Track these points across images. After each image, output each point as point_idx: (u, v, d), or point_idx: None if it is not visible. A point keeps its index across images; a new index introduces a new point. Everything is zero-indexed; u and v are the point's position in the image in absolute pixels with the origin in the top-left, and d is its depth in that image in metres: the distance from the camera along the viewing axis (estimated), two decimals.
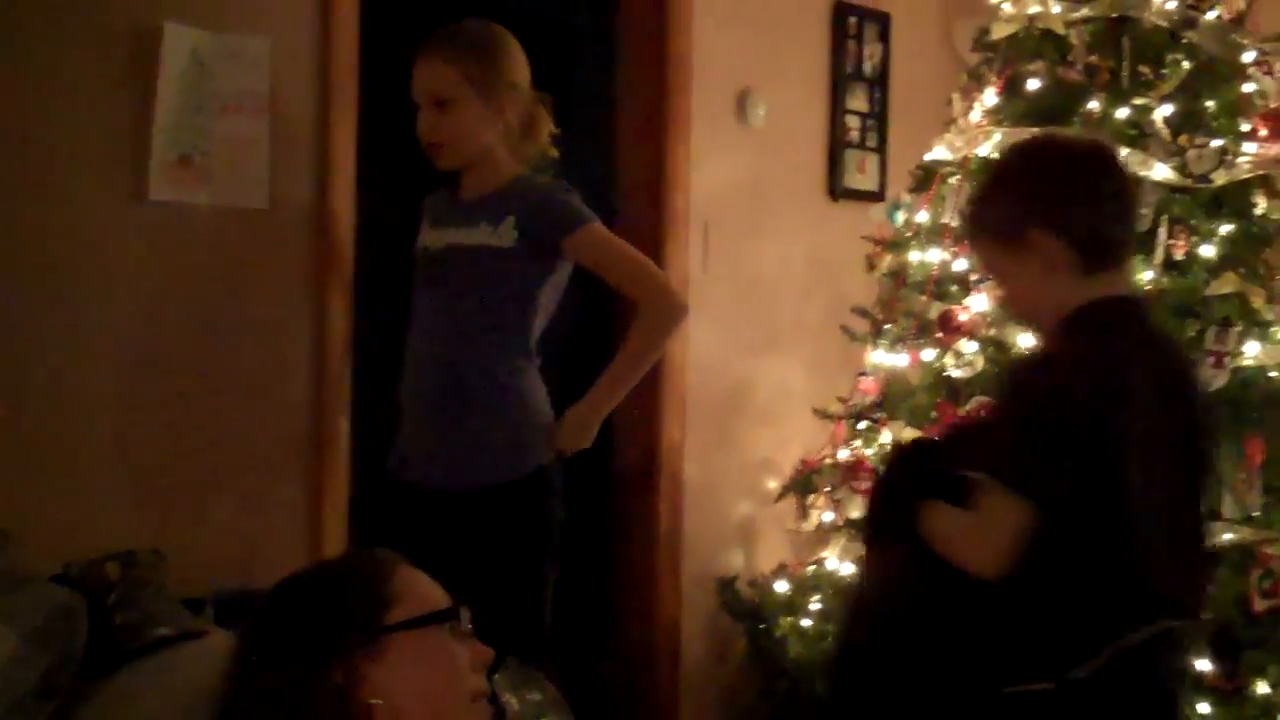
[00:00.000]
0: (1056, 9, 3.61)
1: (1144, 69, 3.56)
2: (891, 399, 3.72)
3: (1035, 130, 3.52)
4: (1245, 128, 3.49)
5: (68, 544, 2.60)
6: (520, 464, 2.89)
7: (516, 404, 2.92)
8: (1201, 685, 3.03)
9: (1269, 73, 3.56)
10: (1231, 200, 3.43)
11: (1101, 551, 2.00)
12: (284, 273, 3.26)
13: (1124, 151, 3.39)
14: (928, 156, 3.91)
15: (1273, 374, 3.25)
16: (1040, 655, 2.02)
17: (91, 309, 2.96)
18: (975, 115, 3.75)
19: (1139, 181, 3.35)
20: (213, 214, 3.13)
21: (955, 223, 3.67)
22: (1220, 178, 3.42)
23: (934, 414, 3.52)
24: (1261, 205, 3.43)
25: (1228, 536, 3.10)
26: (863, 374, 3.88)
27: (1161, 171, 3.38)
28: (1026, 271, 2.14)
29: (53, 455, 2.90)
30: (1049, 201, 2.10)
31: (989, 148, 3.64)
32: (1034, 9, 3.65)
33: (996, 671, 2.03)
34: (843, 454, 3.77)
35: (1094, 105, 3.48)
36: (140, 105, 3.02)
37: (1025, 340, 3.35)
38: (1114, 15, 3.55)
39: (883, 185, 4.66)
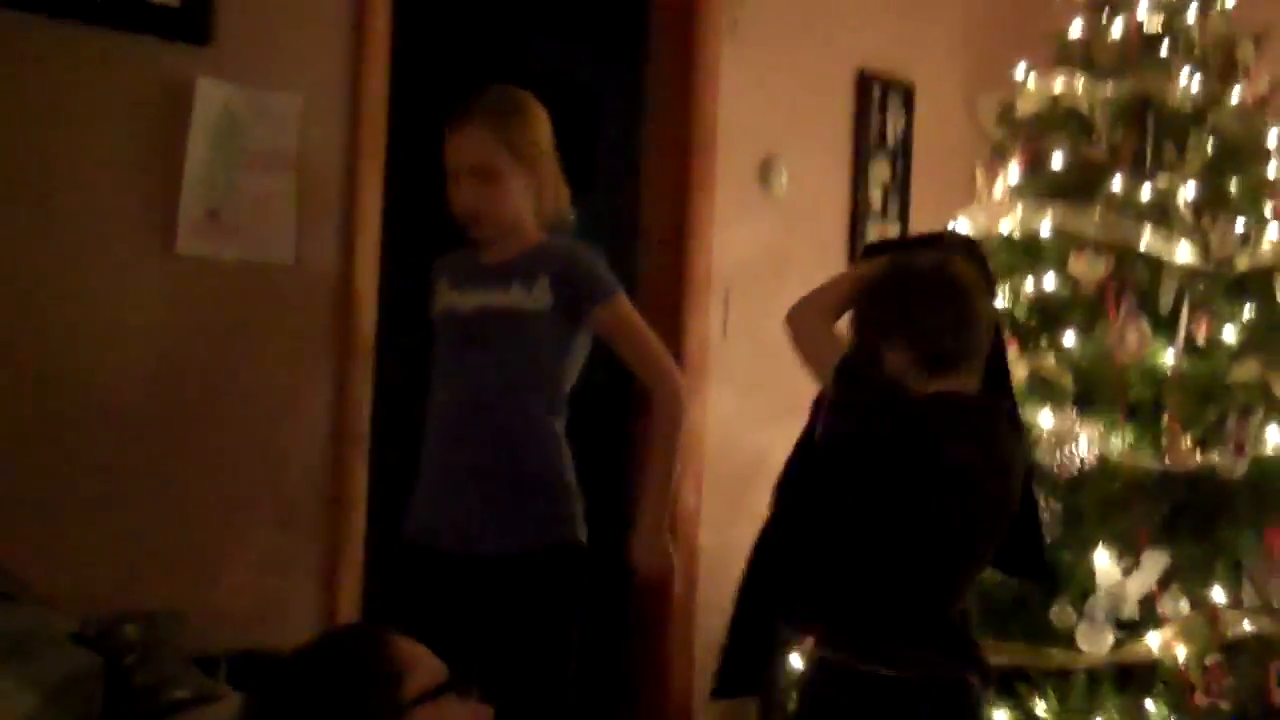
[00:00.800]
0: (1081, 87, 3.63)
1: (1168, 149, 3.57)
2: None
3: (1058, 207, 3.54)
4: (1269, 210, 3.50)
5: (85, 601, 2.61)
6: (560, 530, 2.87)
7: (556, 469, 2.90)
8: None
9: None
10: (1255, 284, 3.44)
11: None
12: (307, 329, 3.26)
13: (1147, 233, 3.40)
14: (951, 227, 3.91)
15: None
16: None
17: (116, 362, 2.97)
18: (999, 191, 3.76)
19: (1162, 266, 3.37)
20: (238, 268, 3.14)
21: None
22: (1244, 261, 3.43)
23: None
24: None
25: (1246, 626, 3.08)
26: None
27: (1185, 253, 3.39)
28: None
29: (70, 510, 2.90)
30: (895, 325, 2.57)
31: (1011, 224, 3.65)
32: (1058, 88, 3.67)
33: None
34: None
35: (1117, 184, 3.49)
36: (170, 159, 3.04)
37: (1046, 419, 3.34)
38: (1138, 95, 3.56)
39: None
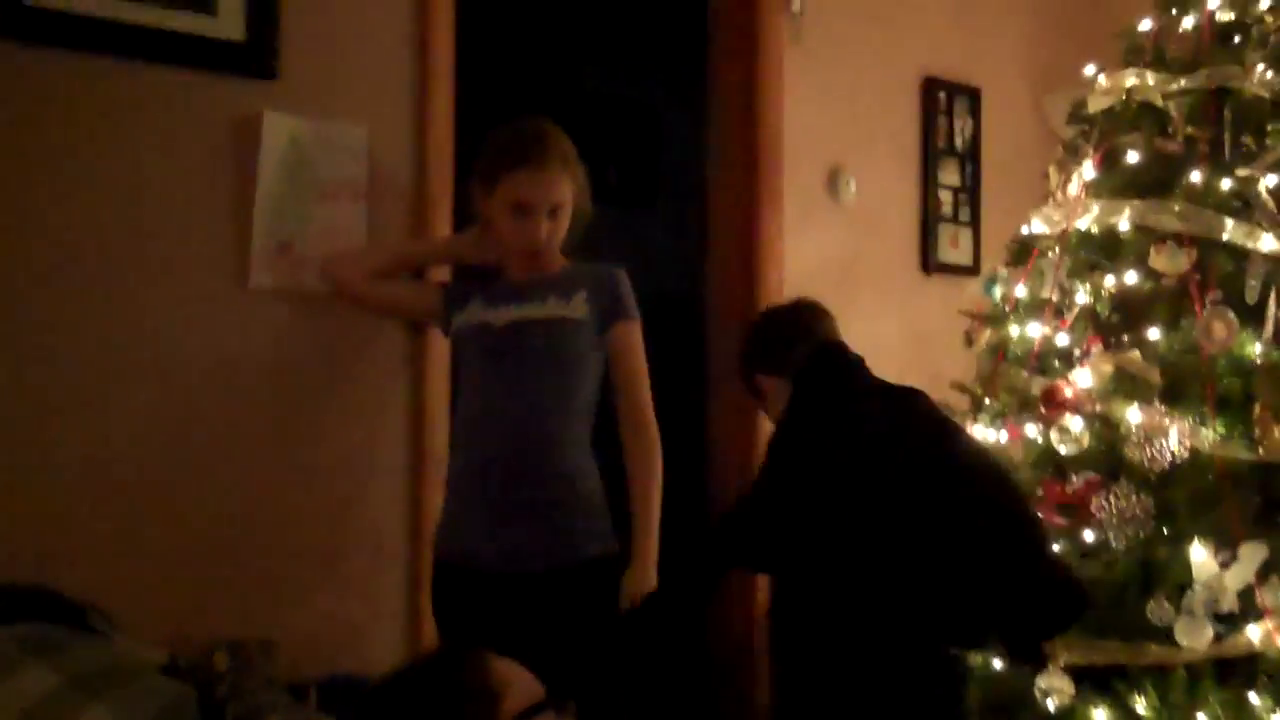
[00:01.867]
0: (1153, 81, 3.57)
1: (1246, 139, 3.50)
2: None
3: (1136, 202, 3.49)
4: None
5: (173, 634, 2.61)
6: (602, 543, 2.94)
7: (592, 480, 2.98)
8: None
9: None
10: None
11: None
12: (383, 358, 3.26)
13: (1229, 223, 3.34)
14: (1025, 230, 3.87)
15: None
16: None
17: (194, 399, 2.98)
18: (1074, 189, 3.71)
19: (1245, 254, 3.30)
20: (312, 300, 3.15)
21: (1055, 297, 3.62)
22: None
23: (1039, 491, 3.44)
24: None
25: None
26: None
27: (1269, 243, 3.32)
28: (766, 399, 3.13)
29: (154, 544, 2.91)
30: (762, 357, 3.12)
31: (1088, 221, 3.59)
32: (1131, 82, 3.61)
33: None
34: None
35: (1196, 177, 3.43)
36: (241, 194, 3.06)
37: (1134, 415, 3.28)
38: (1213, 87, 3.50)
39: (976, 259, 4.64)
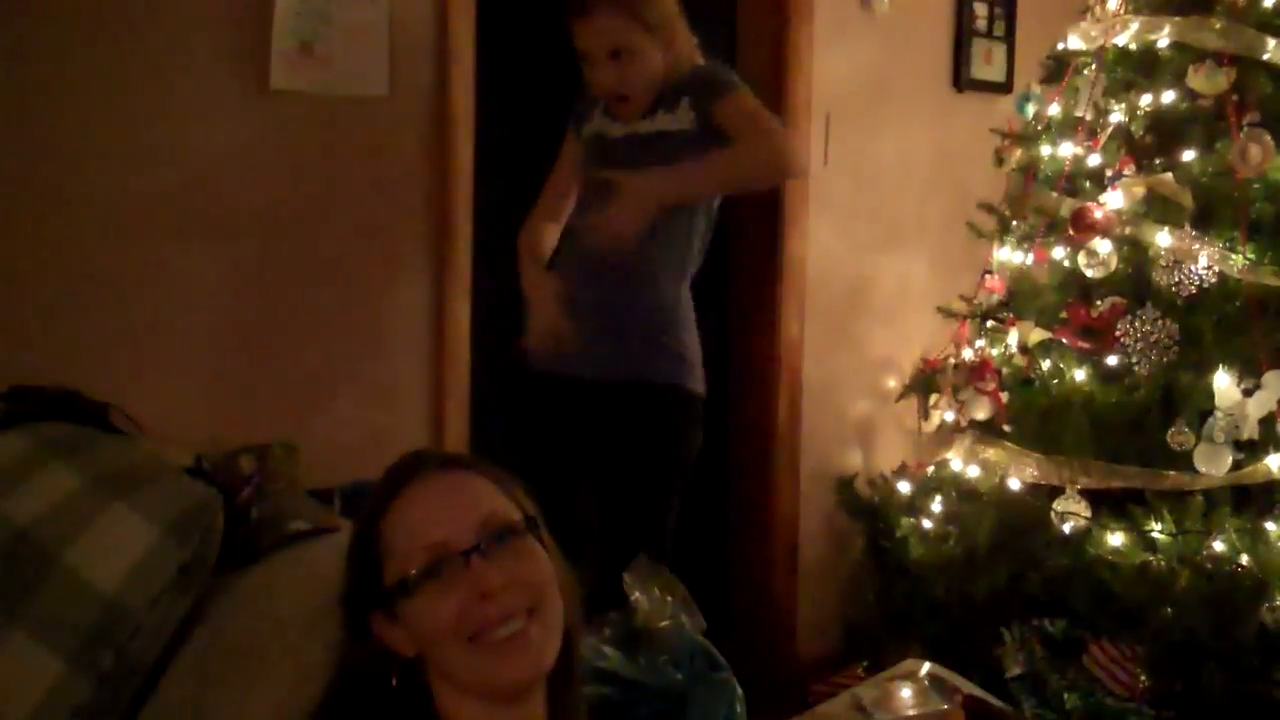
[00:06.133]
0: None
1: None
2: (1020, 298, 3.63)
3: (1176, 19, 3.40)
4: None
5: (196, 437, 2.62)
6: (686, 376, 2.91)
7: (686, 318, 2.94)
8: None
9: None
10: None
11: None
12: (405, 160, 3.22)
13: (1271, 42, 3.26)
14: (1061, 46, 3.79)
15: None
16: None
17: (215, 196, 2.95)
18: (1112, 4, 3.62)
19: None
20: (333, 101, 3.10)
21: (1089, 116, 3.56)
22: None
23: (1064, 314, 3.43)
24: None
25: None
26: (988, 272, 3.80)
27: None
28: None
29: (174, 344, 2.91)
30: None
31: (1126, 38, 3.51)
32: None
33: None
34: (967, 354, 3.69)
35: None
36: None
37: (1163, 239, 3.25)
38: None
39: (1010, 76, 4.54)
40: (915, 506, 3.74)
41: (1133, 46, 3.51)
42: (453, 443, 3.24)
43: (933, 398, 3.77)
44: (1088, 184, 3.54)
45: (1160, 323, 3.23)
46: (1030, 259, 3.62)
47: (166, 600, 2.03)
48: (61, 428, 2.26)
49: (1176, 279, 3.23)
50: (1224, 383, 3.08)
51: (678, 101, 2.88)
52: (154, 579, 2.02)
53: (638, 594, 2.34)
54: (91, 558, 2.00)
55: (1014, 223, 3.76)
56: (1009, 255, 3.72)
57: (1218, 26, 3.31)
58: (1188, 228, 3.26)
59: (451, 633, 1.47)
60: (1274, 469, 3.08)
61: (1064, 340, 3.41)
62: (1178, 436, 3.11)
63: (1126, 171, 3.40)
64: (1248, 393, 3.07)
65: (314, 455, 2.75)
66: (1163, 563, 3.06)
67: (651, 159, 2.85)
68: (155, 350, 2.87)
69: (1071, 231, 3.39)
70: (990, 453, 3.50)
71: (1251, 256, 3.17)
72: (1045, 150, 3.68)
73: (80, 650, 1.94)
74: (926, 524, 3.66)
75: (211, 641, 2.05)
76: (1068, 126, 3.65)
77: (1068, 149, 3.59)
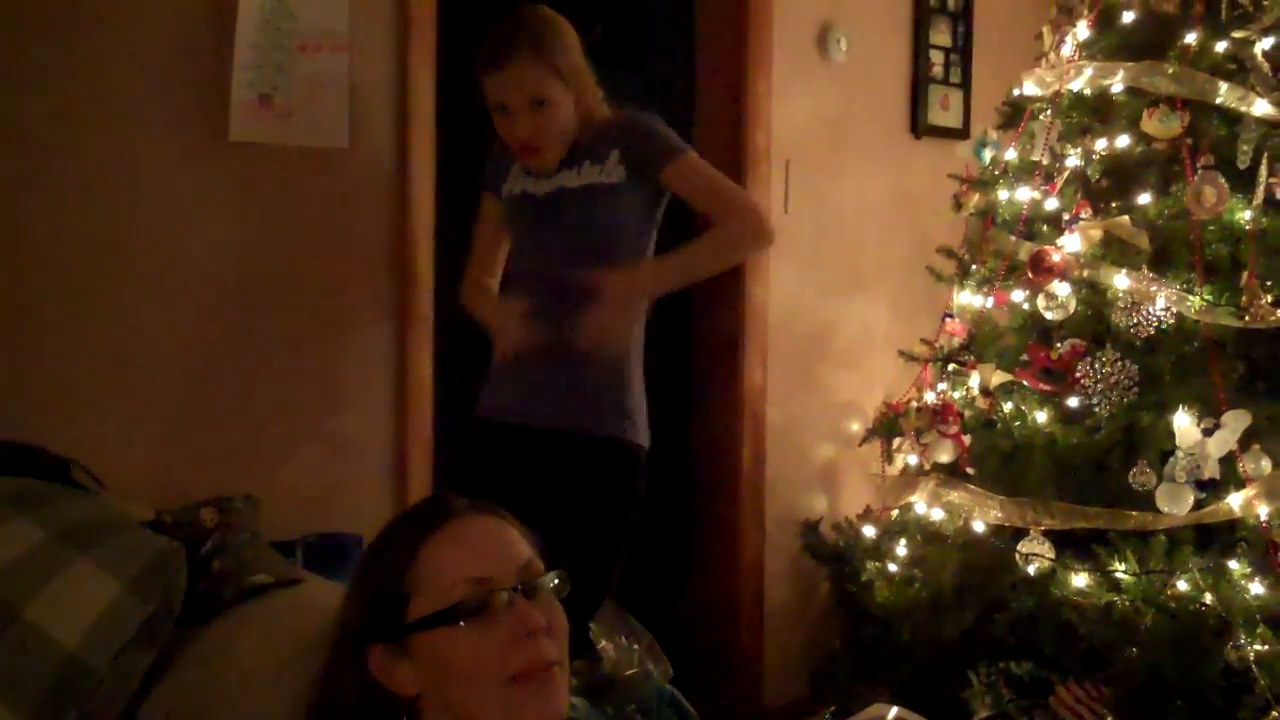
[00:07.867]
0: None
1: (1242, 1, 3.45)
2: (980, 341, 3.65)
3: (1129, 64, 3.44)
4: None
5: (158, 491, 2.61)
6: (627, 429, 2.89)
7: (634, 372, 2.92)
8: None
9: None
10: None
11: None
12: (366, 211, 3.22)
13: (1223, 87, 3.30)
14: (1017, 92, 3.83)
15: None
16: None
17: (174, 248, 2.94)
18: (1067, 50, 3.66)
19: (1238, 118, 3.27)
20: (293, 152, 3.10)
21: (1045, 161, 3.59)
22: None
23: (1024, 357, 3.45)
24: None
25: None
26: (948, 315, 3.82)
27: (1262, 107, 3.28)
28: None
29: (136, 400, 2.89)
30: None
31: (1081, 83, 3.55)
32: None
33: None
34: (929, 397, 3.71)
35: (1191, 38, 3.38)
36: (220, 44, 2.98)
37: (1121, 281, 3.28)
38: None
39: (966, 122, 4.58)
40: (880, 550, 3.74)
41: (1087, 92, 3.56)
42: (416, 493, 3.23)
43: (896, 441, 3.78)
44: (1045, 228, 3.58)
45: (1120, 364, 3.25)
46: (990, 302, 3.65)
47: (130, 654, 2.02)
48: (23, 482, 2.24)
49: (1135, 320, 3.26)
50: (1184, 422, 3.10)
51: (605, 154, 2.86)
52: (117, 633, 2.01)
53: (604, 642, 2.34)
54: (53, 612, 1.99)
55: (973, 266, 3.78)
56: (969, 299, 3.74)
57: (1171, 71, 3.35)
58: (1145, 270, 3.29)
59: (496, 667, 1.45)
60: (1235, 508, 3.10)
61: (1025, 382, 3.43)
62: (1140, 477, 3.12)
63: (1083, 215, 3.43)
64: (1207, 432, 3.09)
65: (276, 507, 2.74)
66: (1127, 603, 3.07)
67: (582, 214, 2.86)
68: (115, 404, 2.86)
69: (1030, 274, 3.42)
70: (954, 495, 3.51)
71: (1208, 298, 3.20)
72: (1003, 195, 3.71)
73: (41, 706, 1.92)
74: (892, 567, 3.66)
75: (176, 696, 2.04)
76: (1024, 171, 3.68)
77: (1025, 193, 3.62)
